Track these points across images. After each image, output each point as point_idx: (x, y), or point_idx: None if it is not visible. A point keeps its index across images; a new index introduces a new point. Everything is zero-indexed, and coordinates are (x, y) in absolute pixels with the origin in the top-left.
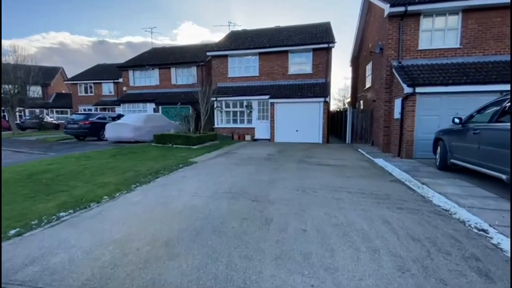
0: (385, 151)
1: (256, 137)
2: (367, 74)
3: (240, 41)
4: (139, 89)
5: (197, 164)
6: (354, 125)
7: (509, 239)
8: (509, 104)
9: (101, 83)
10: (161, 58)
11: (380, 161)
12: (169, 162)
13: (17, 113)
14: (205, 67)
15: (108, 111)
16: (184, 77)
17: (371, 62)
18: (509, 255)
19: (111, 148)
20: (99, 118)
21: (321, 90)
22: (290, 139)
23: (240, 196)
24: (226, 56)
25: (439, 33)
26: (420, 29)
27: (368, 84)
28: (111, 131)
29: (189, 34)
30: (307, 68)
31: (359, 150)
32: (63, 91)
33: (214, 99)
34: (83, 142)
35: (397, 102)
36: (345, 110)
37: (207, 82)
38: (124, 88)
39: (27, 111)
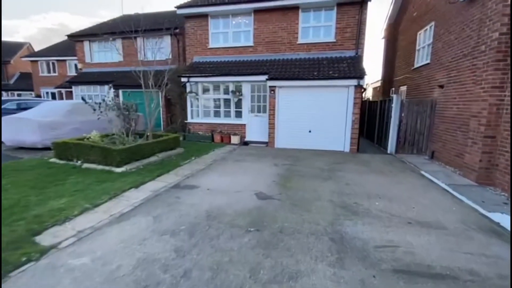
0: (480, 180)
1: (247, 138)
2: (418, 46)
3: None
4: (98, 66)
5: None
6: (401, 124)
7: None
8: None
9: (65, 60)
10: (128, 27)
11: None
12: None
13: None
14: (182, 37)
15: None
16: (155, 51)
17: (431, 25)
18: None
19: None
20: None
21: (351, 67)
22: (299, 144)
23: None
24: (205, 16)
25: None
26: None
27: (422, 60)
28: (6, 131)
29: None
30: (328, 34)
31: (423, 172)
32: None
33: (186, 79)
34: None
35: None
36: (382, 101)
37: (184, 58)
38: (79, 66)
39: None
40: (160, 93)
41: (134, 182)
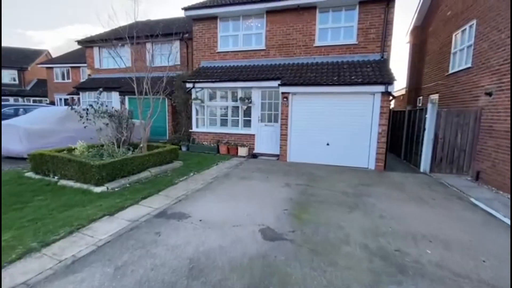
0: None
1: (256, 150)
2: (454, 48)
3: None
4: (107, 72)
5: None
6: (437, 138)
7: None
8: None
9: (79, 67)
10: (138, 32)
11: None
12: None
13: None
14: (191, 42)
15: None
16: (164, 57)
17: (472, 23)
18: None
19: None
20: None
21: (377, 72)
22: (315, 159)
23: None
24: (214, 18)
25: None
26: None
27: (460, 64)
28: None
29: None
30: (349, 36)
31: (474, 201)
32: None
33: (191, 85)
34: None
35: None
36: (412, 111)
37: (192, 63)
38: (88, 72)
39: None
40: (164, 100)
41: (110, 208)
